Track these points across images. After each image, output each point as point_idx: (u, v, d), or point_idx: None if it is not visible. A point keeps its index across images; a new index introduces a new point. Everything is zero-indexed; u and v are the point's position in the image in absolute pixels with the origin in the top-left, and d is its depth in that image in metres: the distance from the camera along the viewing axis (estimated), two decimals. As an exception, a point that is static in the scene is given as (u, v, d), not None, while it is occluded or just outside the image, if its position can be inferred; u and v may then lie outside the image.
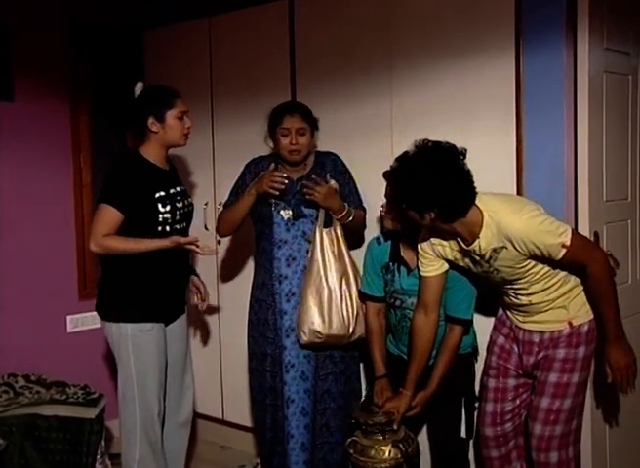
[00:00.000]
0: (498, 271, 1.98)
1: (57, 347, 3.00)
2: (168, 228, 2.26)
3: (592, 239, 2.17)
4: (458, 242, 2.00)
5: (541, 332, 2.02)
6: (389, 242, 2.29)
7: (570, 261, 1.91)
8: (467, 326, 2.23)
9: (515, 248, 1.88)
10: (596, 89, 2.19)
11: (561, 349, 1.98)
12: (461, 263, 2.06)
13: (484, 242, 1.92)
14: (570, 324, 1.98)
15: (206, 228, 3.04)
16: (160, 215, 2.23)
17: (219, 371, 3.09)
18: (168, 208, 2.25)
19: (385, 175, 2.07)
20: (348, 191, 2.44)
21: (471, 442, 2.32)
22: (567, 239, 1.86)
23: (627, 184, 2.39)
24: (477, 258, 1.99)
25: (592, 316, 1.99)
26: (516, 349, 2.09)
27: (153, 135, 2.25)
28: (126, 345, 2.24)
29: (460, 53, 2.33)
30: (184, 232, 2.35)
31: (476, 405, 2.29)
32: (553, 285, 1.98)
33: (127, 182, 2.20)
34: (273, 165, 2.39)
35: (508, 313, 2.13)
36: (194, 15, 3.05)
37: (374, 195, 2.43)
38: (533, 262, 1.94)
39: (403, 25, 2.47)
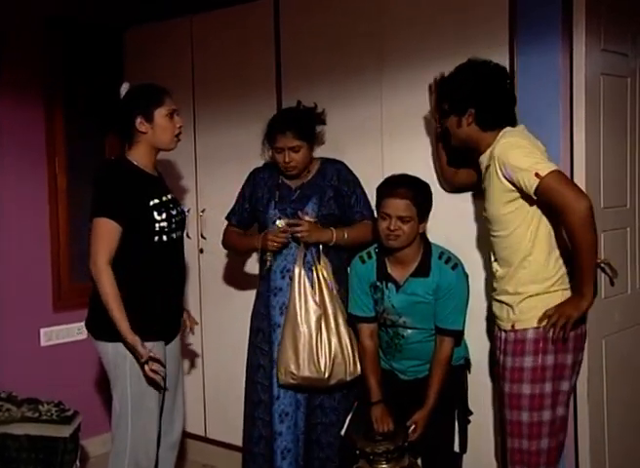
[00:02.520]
0: (485, 198, 1.99)
1: (29, 362, 2.89)
2: (165, 237, 2.15)
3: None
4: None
5: (499, 328, 1.99)
6: (374, 259, 2.22)
7: (544, 201, 1.84)
8: (458, 337, 2.18)
9: (496, 169, 1.88)
10: (593, 91, 2.15)
11: (508, 357, 1.93)
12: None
13: (484, 158, 2.00)
14: (513, 326, 1.92)
15: (187, 236, 2.94)
16: (157, 224, 2.12)
17: (201, 387, 3.02)
18: (164, 216, 2.15)
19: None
20: (354, 201, 2.37)
21: (464, 456, 2.25)
22: (542, 169, 1.80)
23: (626, 190, 2.35)
24: (481, 177, 2.04)
25: (540, 325, 1.89)
26: None
27: (142, 136, 2.14)
28: (123, 366, 2.12)
29: (452, 55, 2.28)
30: (180, 241, 2.27)
31: (470, 418, 2.23)
32: (514, 261, 1.91)
33: (119, 192, 2.09)
34: (283, 223, 2.30)
35: None
36: (176, 13, 2.99)
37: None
38: (510, 210, 1.89)
39: (394, 27, 2.42)
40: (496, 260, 2.00)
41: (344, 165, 2.41)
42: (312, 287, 2.26)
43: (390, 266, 2.19)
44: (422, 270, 2.15)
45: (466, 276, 2.17)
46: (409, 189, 2.09)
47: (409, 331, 2.19)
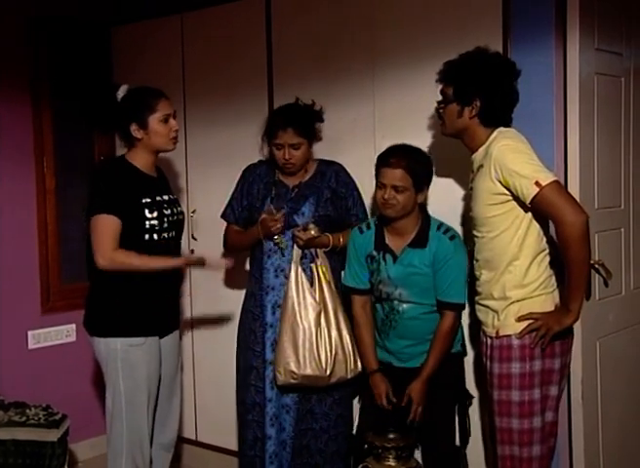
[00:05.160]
0: (472, 197, 1.97)
1: (16, 365, 2.85)
2: (155, 236, 2.17)
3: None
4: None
5: (484, 333, 1.98)
6: (372, 230, 2.21)
7: (539, 210, 1.83)
8: (460, 311, 2.15)
9: (490, 170, 1.85)
10: (587, 91, 2.14)
11: (495, 363, 1.92)
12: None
13: (478, 156, 1.96)
14: (497, 332, 1.91)
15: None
16: (147, 222, 2.14)
17: (192, 390, 2.98)
18: (155, 214, 2.16)
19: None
20: (352, 204, 2.37)
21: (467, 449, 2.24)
22: (543, 178, 1.78)
23: (620, 191, 2.33)
24: (470, 175, 2.00)
25: (523, 332, 1.88)
26: None
27: (139, 142, 2.18)
28: (115, 361, 2.14)
29: (445, 53, 2.25)
30: (174, 241, 2.27)
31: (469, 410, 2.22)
32: (499, 265, 1.90)
33: (113, 188, 2.12)
34: (271, 206, 2.31)
35: None
36: (165, 10, 2.96)
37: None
38: (498, 212, 1.87)
39: (386, 25, 2.40)
40: (477, 262, 1.98)
41: (342, 167, 2.40)
42: (312, 284, 2.26)
43: (388, 237, 2.18)
44: (420, 241, 2.13)
45: (465, 249, 2.13)
46: (403, 159, 2.08)
47: (404, 305, 2.16)
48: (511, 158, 1.83)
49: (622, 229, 2.33)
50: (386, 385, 2.17)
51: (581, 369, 2.11)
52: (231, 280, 2.83)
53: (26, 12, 2.91)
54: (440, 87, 2.00)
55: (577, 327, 2.00)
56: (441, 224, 2.15)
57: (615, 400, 2.29)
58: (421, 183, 2.12)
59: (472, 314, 2.13)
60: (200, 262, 2.18)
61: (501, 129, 1.93)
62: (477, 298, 2.01)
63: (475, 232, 1.98)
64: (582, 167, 2.11)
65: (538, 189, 1.78)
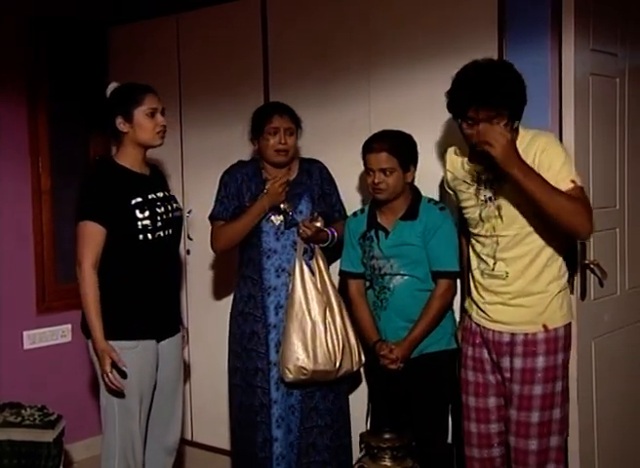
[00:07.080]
0: (503, 197, 1.92)
1: (12, 365, 2.84)
2: (150, 236, 2.13)
3: (579, 248, 2.12)
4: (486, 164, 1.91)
5: (512, 334, 1.94)
6: (366, 212, 2.30)
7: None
8: (455, 279, 2.19)
9: (532, 161, 1.85)
10: (582, 92, 2.14)
11: (540, 357, 1.91)
12: (467, 193, 1.99)
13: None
14: (545, 327, 1.91)
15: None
16: (139, 223, 2.10)
17: (187, 390, 2.97)
18: (147, 214, 2.12)
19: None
20: (335, 200, 2.45)
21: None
22: (577, 180, 1.85)
23: (615, 191, 2.33)
24: (496, 177, 1.91)
25: (569, 320, 1.96)
26: (486, 355, 2.01)
27: (125, 136, 2.15)
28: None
29: (440, 54, 2.28)
30: (172, 239, 2.22)
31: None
32: (534, 260, 1.90)
33: (101, 193, 2.10)
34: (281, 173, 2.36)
35: (475, 316, 2.04)
36: (162, 10, 2.96)
37: (351, 202, 2.47)
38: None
39: (382, 24, 2.41)
40: (498, 261, 1.94)
41: (324, 165, 2.45)
42: (313, 275, 2.29)
43: (380, 216, 2.26)
44: (410, 214, 2.21)
45: (454, 221, 2.20)
46: (384, 142, 2.16)
47: (395, 280, 2.19)
48: (559, 152, 1.87)
49: (617, 229, 2.33)
50: (390, 347, 2.17)
51: (577, 368, 2.11)
52: (227, 282, 2.83)
53: (26, 12, 2.91)
54: (499, 117, 1.85)
55: (572, 326, 2.01)
56: (431, 199, 2.25)
57: (610, 399, 2.29)
58: (407, 162, 2.19)
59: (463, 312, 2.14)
60: (120, 370, 2.08)
61: (528, 129, 1.96)
62: (504, 298, 1.96)
63: (502, 232, 1.93)
64: (578, 167, 2.08)
65: (573, 185, 1.83)
